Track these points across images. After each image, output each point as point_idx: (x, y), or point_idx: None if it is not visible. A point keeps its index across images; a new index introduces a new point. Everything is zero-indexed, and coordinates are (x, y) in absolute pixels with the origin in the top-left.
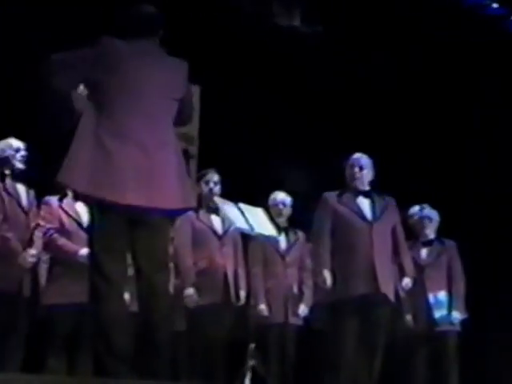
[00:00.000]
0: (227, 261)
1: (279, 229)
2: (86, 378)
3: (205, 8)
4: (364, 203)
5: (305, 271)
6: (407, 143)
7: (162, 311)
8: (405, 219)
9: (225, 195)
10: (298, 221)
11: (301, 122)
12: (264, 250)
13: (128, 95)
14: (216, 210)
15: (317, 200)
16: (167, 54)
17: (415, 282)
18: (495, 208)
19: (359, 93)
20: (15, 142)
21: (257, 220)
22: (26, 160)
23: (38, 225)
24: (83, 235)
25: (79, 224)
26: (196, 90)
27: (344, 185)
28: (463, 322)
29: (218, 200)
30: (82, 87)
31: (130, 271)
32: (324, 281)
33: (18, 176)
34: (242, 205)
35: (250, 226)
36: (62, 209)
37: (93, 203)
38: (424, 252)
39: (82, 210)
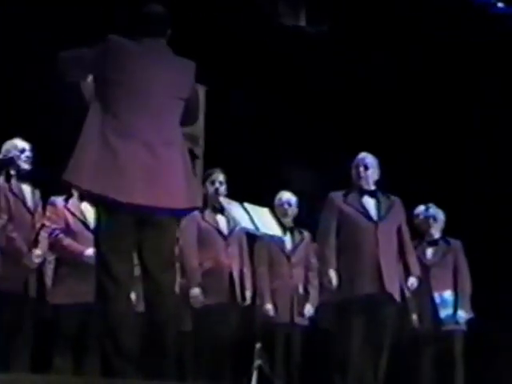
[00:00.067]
0: (233, 261)
1: (285, 229)
2: (93, 378)
3: (209, 8)
4: (369, 203)
5: (310, 271)
6: (407, 143)
7: (168, 311)
8: (410, 218)
9: (230, 195)
10: (304, 221)
11: (304, 122)
12: (269, 250)
13: (135, 94)
14: (221, 210)
15: (322, 200)
16: (174, 54)
17: (421, 281)
18: (495, 208)
19: (359, 93)
20: (20, 143)
21: (262, 220)
22: (32, 160)
23: (43, 225)
24: (89, 235)
25: (85, 224)
26: (201, 90)
27: (350, 185)
28: (469, 322)
29: (223, 200)
30: (90, 77)
31: (137, 271)
32: (330, 281)
33: (23, 176)
34: (247, 205)
35: (256, 226)
36: (68, 209)
37: (99, 203)
38: (429, 251)
39: (87, 211)
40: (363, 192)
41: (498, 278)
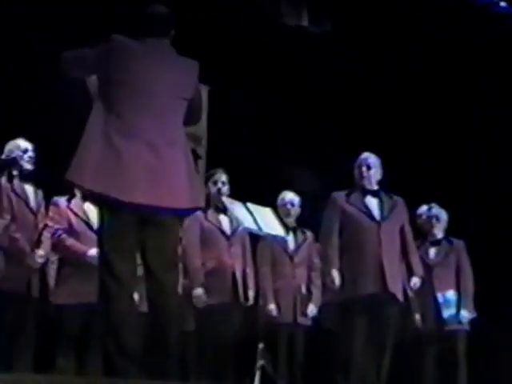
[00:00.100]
0: (236, 261)
1: (287, 229)
2: (95, 378)
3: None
4: (372, 203)
5: (313, 271)
6: (407, 143)
7: (171, 311)
8: (413, 218)
9: (233, 195)
10: (307, 221)
11: (305, 122)
12: (272, 250)
13: (138, 94)
14: (224, 210)
15: (323, 200)
16: (178, 54)
17: (423, 281)
18: (496, 208)
19: (359, 93)
20: (23, 143)
21: (265, 220)
22: (34, 161)
23: (46, 225)
24: (91, 235)
25: (87, 224)
26: (204, 90)
27: (351, 185)
28: (472, 322)
29: (226, 200)
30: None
31: (140, 271)
32: (332, 281)
33: (26, 177)
34: (250, 205)
35: (259, 226)
36: (71, 209)
37: (102, 202)
38: (432, 251)
39: (90, 211)
40: (366, 192)
41: (500, 278)
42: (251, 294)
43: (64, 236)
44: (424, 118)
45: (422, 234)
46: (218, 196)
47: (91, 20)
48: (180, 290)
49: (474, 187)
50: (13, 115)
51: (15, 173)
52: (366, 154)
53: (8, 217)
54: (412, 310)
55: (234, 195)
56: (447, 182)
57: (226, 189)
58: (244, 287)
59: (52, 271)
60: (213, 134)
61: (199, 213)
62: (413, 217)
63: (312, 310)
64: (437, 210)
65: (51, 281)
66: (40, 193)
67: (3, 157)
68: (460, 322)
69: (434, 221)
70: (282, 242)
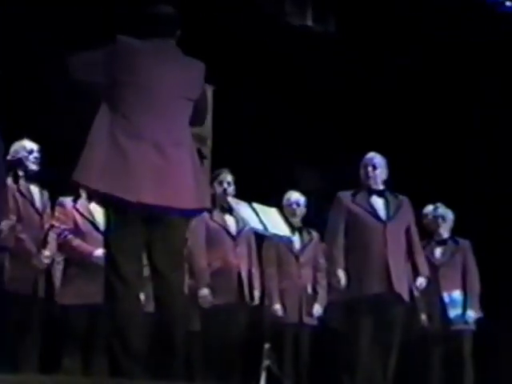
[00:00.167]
0: (241, 261)
1: (293, 229)
2: (101, 379)
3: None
4: (378, 202)
5: (319, 271)
6: (407, 143)
7: (177, 310)
8: (418, 218)
9: (238, 195)
10: (312, 221)
11: (307, 122)
12: (278, 250)
13: (143, 95)
14: (230, 211)
15: (324, 199)
16: (184, 55)
17: (429, 281)
18: (498, 208)
19: (359, 93)
20: (28, 144)
21: (271, 220)
22: (40, 161)
23: (52, 226)
24: (97, 236)
25: (93, 225)
26: (209, 90)
27: (352, 184)
28: (478, 321)
29: (231, 200)
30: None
31: (146, 271)
32: (338, 281)
33: (31, 177)
34: (255, 205)
35: (264, 226)
36: (77, 210)
37: (108, 203)
38: (438, 251)
39: (96, 211)
40: (372, 192)
41: (506, 278)
42: (257, 294)
43: (70, 236)
44: (424, 118)
45: (428, 233)
46: (223, 196)
47: (91, 20)
48: (186, 290)
49: (476, 187)
50: (17, 116)
51: (21, 173)
52: (371, 154)
53: (14, 217)
54: (418, 310)
55: (238, 195)
56: (447, 182)
57: (231, 189)
58: (250, 287)
59: (58, 272)
60: (217, 133)
61: (205, 213)
62: (418, 216)
63: (318, 309)
64: (443, 209)
65: (57, 281)
66: (46, 193)
67: (9, 158)
68: (466, 322)
69: (440, 220)
70: (288, 242)
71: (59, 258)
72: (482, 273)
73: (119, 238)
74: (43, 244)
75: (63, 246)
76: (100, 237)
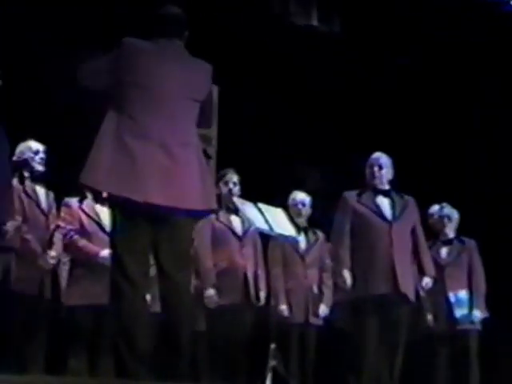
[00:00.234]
0: (247, 261)
1: (299, 229)
2: (107, 379)
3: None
4: (384, 203)
5: (325, 271)
6: (407, 143)
7: (183, 311)
8: (424, 218)
9: (243, 195)
10: (318, 221)
11: (311, 122)
12: (283, 251)
13: (150, 95)
14: (235, 211)
15: (331, 200)
16: (191, 56)
17: (435, 281)
18: (497, 208)
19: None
20: (34, 145)
21: (276, 220)
22: (45, 162)
23: (58, 226)
24: (103, 236)
25: (99, 225)
26: (214, 90)
27: (358, 184)
28: (484, 321)
29: (237, 200)
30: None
31: (152, 271)
32: (344, 281)
33: (37, 178)
34: (261, 205)
35: (270, 226)
36: (82, 210)
37: (115, 203)
38: (444, 251)
39: (101, 212)
40: (377, 192)
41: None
42: (262, 294)
43: (76, 237)
44: (423, 118)
45: (433, 233)
46: (229, 196)
47: (91, 20)
48: (192, 290)
49: (476, 187)
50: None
51: (27, 174)
52: (377, 154)
53: (20, 218)
54: (424, 310)
55: (243, 195)
56: (447, 182)
57: (237, 189)
58: (255, 287)
59: (64, 272)
60: (222, 134)
61: None
62: (423, 216)
63: (323, 310)
64: (448, 209)
65: (63, 282)
66: (51, 194)
67: (15, 158)
68: (472, 322)
69: (445, 220)
70: (294, 242)
71: (65, 259)
72: (490, 272)
73: (125, 238)
74: (49, 245)
75: (69, 247)
76: (106, 237)
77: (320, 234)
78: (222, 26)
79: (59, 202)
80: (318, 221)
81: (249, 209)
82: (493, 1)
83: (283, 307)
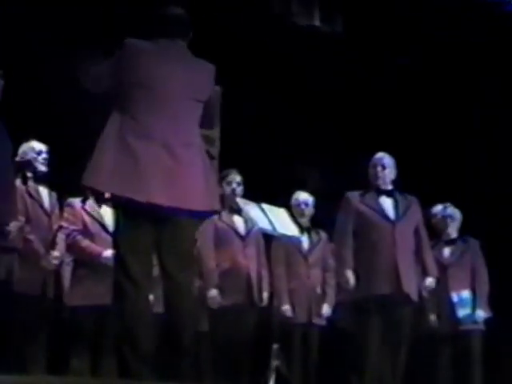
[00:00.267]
0: (250, 261)
1: (302, 229)
2: (110, 380)
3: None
4: (387, 203)
5: (327, 271)
6: (407, 143)
7: (186, 311)
8: (427, 218)
9: (245, 196)
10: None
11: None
12: (286, 251)
13: (152, 96)
14: (238, 211)
15: (331, 199)
16: (194, 56)
17: (438, 281)
18: (498, 208)
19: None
20: (37, 145)
21: (279, 220)
22: (48, 162)
23: (60, 227)
24: (106, 237)
25: (102, 226)
26: (217, 91)
27: (363, 185)
28: (487, 321)
29: (240, 201)
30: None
31: (155, 272)
32: (347, 281)
33: (40, 178)
34: (264, 205)
35: (273, 226)
36: (85, 210)
37: (118, 203)
38: (447, 251)
39: (104, 212)
40: (380, 192)
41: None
42: (265, 294)
43: (79, 237)
44: (423, 118)
45: (436, 233)
46: (232, 197)
47: (91, 20)
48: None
49: (476, 187)
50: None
51: (29, 175)
52: (380, 154)
53: (22, 219)
54: (426, 310)
55: (246, 196)
56: (447, 182)
57: (240, 189)
58: (258, 288)
59: (67, 273)
60: (221, 133)
61: None
62: (425, 216)
63: (326, 310)
64: (451, 209)
65: (66, 282)
66: (54, 194)
67: (17, 159)
68: (475, 322)
69: (448, 220)
70: (297, 242)
71: (68, 259)
72: (493, 272)
73: (128, 238)
74: (52, 245)
75: (72, 247)
76: (109, 237)
77: (323, 235)
78: (221, 25)
79: (62, 202)
80: (320, 221)
81: (252, 209)
82: (493, 1)
83: (286, 307)
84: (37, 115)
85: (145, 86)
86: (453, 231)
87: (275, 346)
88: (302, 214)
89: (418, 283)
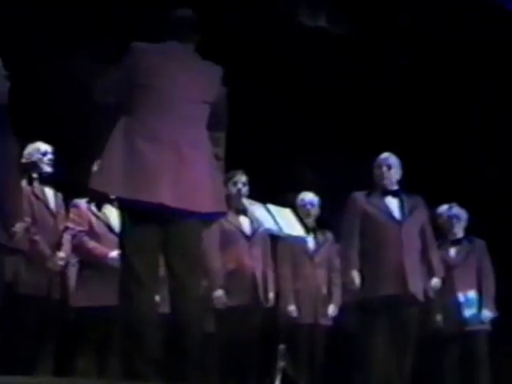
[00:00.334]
0: (256, 262)
1: (307, 229)
2: (115, 381)
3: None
4: (393, 203)
5: (333, 271)
6: (407, 143)
7: (193, 311)
8: (433, 218)
9: (251, 196)
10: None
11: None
12: (292, 251)
13: (159, 98)
14: (244, 211)
15: (331, 200)
16: (201, 58)
17: (444, 281)
18: (502, 208)
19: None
20: (43, 146)
21: (285, 221)
22: (54, 163)
23: (66, 228)
24: (112, 238)
25: (108, 226)
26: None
27: (363, 185)
28: (493, 321)
29: (246, 201)
30: None
31: (161, 272)
32: (352, 281)
33: (45, 179)
34: (270, 205)
35: (279, 226)
36: (91, 211)
37: (124, 204)
38: (453, 251)
39: (110, 213)
40: (386, 192)
41: None
42: (271, 295)
43: (85, 238)
44: (423, 118)
45: (442, 233)
46: (238, 197)
47: (91, 20)
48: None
49: (474, 187)
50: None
51: (35, 176)
52: (386, 154)
53: (28, 220)
54: (432, 310)
55: (251, 196)
56: (446, 182)
57: (245, 190)
58: (264, 288)
59: (72, 274)
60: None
61: None
62: (431, 216)
63: (332, 310)
64: (457, 209)
65: (72, 283)
66: (60, 195)
67: (23, 160)
68: (481, 322)
69: (454, 220)
70: (303, 242)
71: (74, 260)
72: (499, 272)
73: (134, 239)
74: (58, 246)
75: (78, 248)
76: (115, 238)
77: (329, 235)
78: (221, 25)
79: (68, 203)
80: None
81: (258, 209)
82: (493, 0)
83: (292, 308)
84: (37, 115)
85: (152, 88)
86: (459, 231)
87: (281, 347)
88: (308, 215)
89: (424, 283)
